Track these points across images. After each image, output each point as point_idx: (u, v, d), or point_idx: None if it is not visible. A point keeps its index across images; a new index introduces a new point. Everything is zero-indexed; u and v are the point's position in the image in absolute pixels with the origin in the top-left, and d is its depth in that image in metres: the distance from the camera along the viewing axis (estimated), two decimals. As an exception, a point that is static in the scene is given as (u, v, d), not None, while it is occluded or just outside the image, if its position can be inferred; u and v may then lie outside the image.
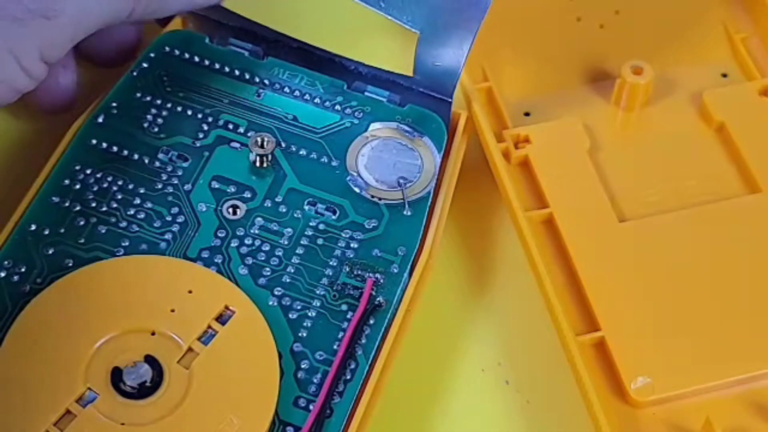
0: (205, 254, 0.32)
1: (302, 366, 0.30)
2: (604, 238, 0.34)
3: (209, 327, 0.30)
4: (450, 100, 0.35)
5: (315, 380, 0.30)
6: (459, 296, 0.35)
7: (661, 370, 0.32)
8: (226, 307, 0.31)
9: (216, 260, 0.32)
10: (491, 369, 0.34)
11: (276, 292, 0.31)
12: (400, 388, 0.32)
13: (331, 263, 0.32)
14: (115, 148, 0.34)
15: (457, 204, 0.35)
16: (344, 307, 0.31)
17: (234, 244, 0.32)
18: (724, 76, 0.39)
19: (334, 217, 0.33)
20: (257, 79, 0.35)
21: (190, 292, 0.31)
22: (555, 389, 0.33)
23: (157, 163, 0.33)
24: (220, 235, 0.32)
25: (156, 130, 0.34)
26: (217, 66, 0.36)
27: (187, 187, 0.33)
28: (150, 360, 0.30)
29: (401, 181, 0.33)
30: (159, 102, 0.35)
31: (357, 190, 0.33)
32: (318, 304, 0.31)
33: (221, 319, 0.30)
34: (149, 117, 0.34)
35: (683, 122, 0.37)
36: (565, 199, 0.35)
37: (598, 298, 0.33)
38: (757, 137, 0.36)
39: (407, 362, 0.32)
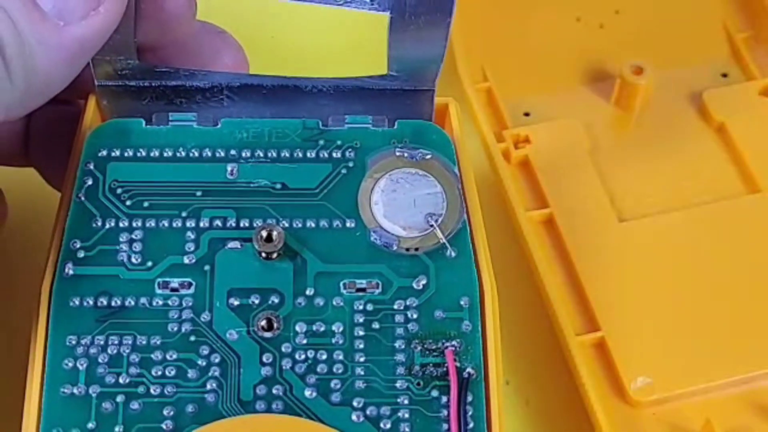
0: (261, 390, 0.27)
1: None
2: (604, 238, 0.34)
3: None
4: (431, 88, 0.30)
5: None
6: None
7: (661, 370, 0.32)
8: None
9: (276, 392, 0.27)
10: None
11: (356, 405, 0.27)
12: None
13: (398, 346, 0.28)
14: (103, 301, 0.28)
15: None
16: (435, 393, 0.27)
17: (286, 365, 0.28)
18: (724, 76, 0.39)
19: (378, 290, 0.28)
20: (221, 153, 0.30)
21: None
22: (555, 389, 0.33)
23: (159, 301, 0.28)
24: (266, 360, 0.28)
25: (139, 260, 0.28)
26: (170, 153, 0.30)
27: (205, 317, 0.28)
28: None
29: (430, 218, 0.29)
30: (126, 223, 0.29)
31: (387, 247, 0.29)
32: (406, 400, 0.27)
33: None
34: (123, 247, 0.29)
35: (683, 122, 0.37)
36: (565, 199, 0.35)
37: (598, 298, 0.33)
38: (757, 137, 0.36)
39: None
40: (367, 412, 0.27)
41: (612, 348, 0.32)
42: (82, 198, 0.29)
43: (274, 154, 0.30)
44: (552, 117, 0.37)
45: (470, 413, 0.27)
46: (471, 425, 0.27)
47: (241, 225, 0.29)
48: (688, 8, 0.40)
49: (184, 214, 0.29)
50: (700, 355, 0.32)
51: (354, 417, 0.27)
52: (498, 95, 0.37)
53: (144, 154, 0.30)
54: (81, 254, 0.28)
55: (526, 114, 0.38)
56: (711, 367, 0.32)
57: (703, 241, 0.34)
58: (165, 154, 0.30)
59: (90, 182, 0.29)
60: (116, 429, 0.27)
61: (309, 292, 0.28)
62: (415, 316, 0.28)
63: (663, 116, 0.37)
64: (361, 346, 0.28)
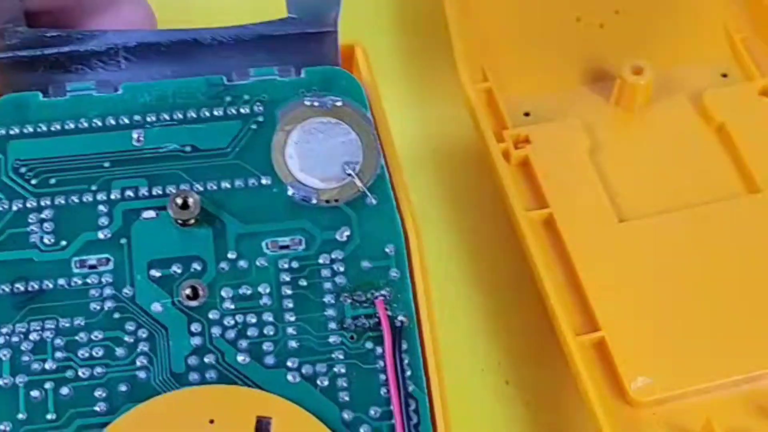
0: (193, 361, 0.27)
1: None
2: (604, 238, 0.34)
3: None
4: (334, 29, 0.29)
5: None
6: (458, 296, 0.35)
7: (661, 370, 0.32)
8: (259, 420, 0.26)
9: (208, 361, 0.27)
10: (491, 369, 0.34)
11: (291, 365, 0.27)
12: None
13: (328, 301, 0.27)
14: (19, 287, 0.27)
15: (457, 204, 0.35)
16: (369, 345, 0.27)
17: (216, 332, 0.27)
18: (724, 76, 0.39)
19: (301, 246, 0.28)
20: (125, 120, 0.29)
21: (211, 422, 0.26)
22: (555, 389, 0.33)
23: (78, 281, 0.27)
24: (195, 330, 0.27)
25: (52, 240, 0.27)
26: (71, 125, 0.29)
27: (127, 291, 0.27)
28: None
29: (347, 167, 0.28)
30: (34, 203, 0.28)
31: (306, 201, 0.28)
32: (341, 355, 0.27)
33: None
34: (34, 228, 0.28)
35: (683, 122, 0.37)
36: (565, 199, 0.35)
37: (598, 298, 0.33)
38: (757, 137, 0.36)
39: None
40: (303, 372, 0.27)
41: (612, 348, 0.32)
42: None
43: (180, 116, 0.29)
44: (552, 117, 0.37)
45: (407, 361, 0.27)
46: (408, 373, 0.27)
47: (154, 193, 0.28)
48: (688, 8, 0.40)
49: (93, 188, 0.28)
50: (700, 355, 0.32)
51: (290, 378, 0.27)
52: (498, 95, 0.37)
53: (44, 129, 0.29)
54: None
55: (526, 114, 0.38)
56: (711, 367, 0.32)
57: (703, 241, 0.34)
58: (66, 127, 0.29)
59: None
60: (48, 417, 0.26)
61: (231, 255, 0.28)
62: (341, 268, 0.28)
63: (663, 116, 0.37)
64: (290, 305, 0.27)
